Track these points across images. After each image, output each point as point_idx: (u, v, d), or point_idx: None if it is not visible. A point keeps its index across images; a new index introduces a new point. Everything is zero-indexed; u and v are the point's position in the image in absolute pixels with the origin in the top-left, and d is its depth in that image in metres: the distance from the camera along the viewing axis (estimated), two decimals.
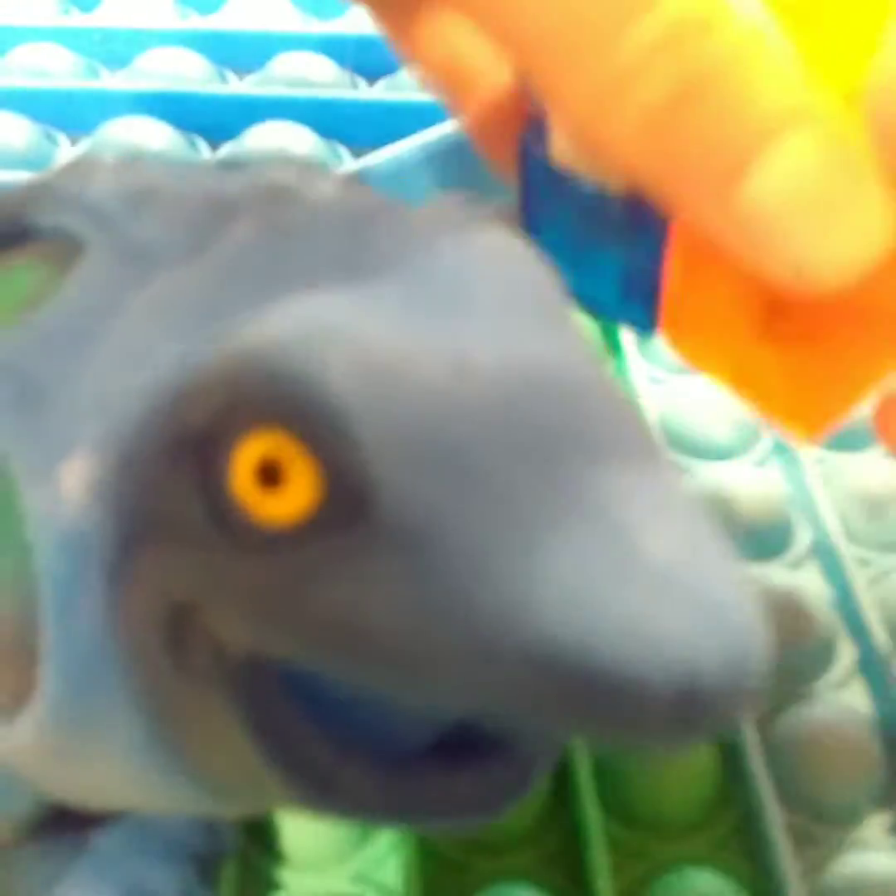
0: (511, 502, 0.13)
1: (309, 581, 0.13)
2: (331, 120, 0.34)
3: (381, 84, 0.38)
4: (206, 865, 0.21)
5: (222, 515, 0.14)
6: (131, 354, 0.15)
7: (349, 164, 0.31)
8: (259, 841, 0.23)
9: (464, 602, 0.13)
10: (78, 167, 0.19)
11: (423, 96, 0.35)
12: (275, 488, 0.13)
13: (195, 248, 0.16)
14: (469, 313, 0.15)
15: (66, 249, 0.17)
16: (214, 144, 0.35)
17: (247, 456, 0.14)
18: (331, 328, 0.14)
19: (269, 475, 0.13)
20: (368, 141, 0.33)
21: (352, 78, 0.38)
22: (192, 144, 0.35)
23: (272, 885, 0.22)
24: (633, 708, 0.12)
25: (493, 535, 0.13)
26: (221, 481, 0.14)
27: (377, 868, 0.23)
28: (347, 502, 0.13)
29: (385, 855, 0.23)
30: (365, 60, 0.38)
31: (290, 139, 0.33)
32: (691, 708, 0.12)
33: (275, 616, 0.14)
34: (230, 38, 0.38)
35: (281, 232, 0.16)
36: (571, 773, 0.24)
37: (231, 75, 0.38)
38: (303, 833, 0.23)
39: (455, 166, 0.31)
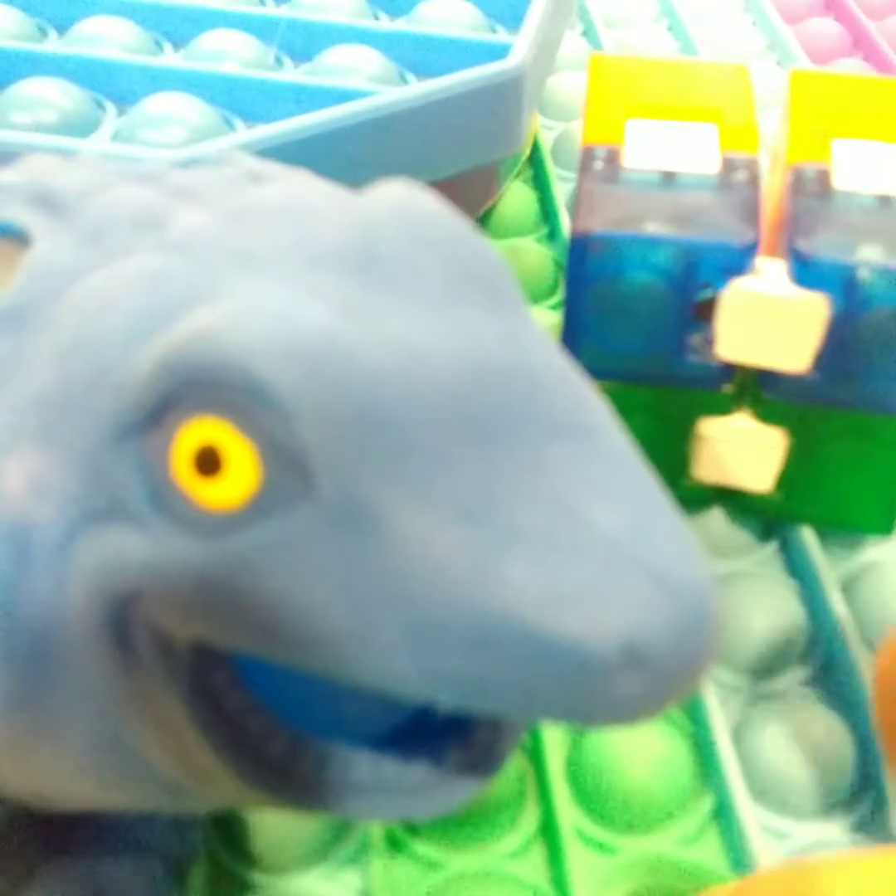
0: (457, 482, 0.13)
1: (251, 567, 0.13)
2: (241, 98, 0.34)
3: (305, 68, 0.38)
4: (175, 866, 0.21)
5: (164, 503, 0.14)
6: (74, 346, 0.15)
7: (242, 133, 0.30)
8: (229, 841, 0.22)
9: (409, 583, 0.13)
10: (23, 164, 0.19)
11: (341, 81, 0.35)
12: (215, 474, 0.13)
13: (147, 233, 0.16)
14: (417, 297, 0.15)
15: (11, 244, 0.17)
16: (121, 109, 0.35)
17: (186, 443, 0.14)
18: (266, 315, 0.14)
19: (210, 461, 0.13)
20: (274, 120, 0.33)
21: (279, 57, 0.38)
22: (100, 106, 0.35)
23: (243, 885, 0.22)
24: (578, 679, 0.12)
25: (438, 515, 0.13)
26: (163, 469, 0.14)
27: (348, 868, 0.22)
28: (287, 487, 0.13)
29: (356, 854, 0.22)
30: (295, 42, 0.38)
31: (183, 109, 0.33)
32: (638, 676, 0.12)
33: (218, 603, 0.13)
34: (164, 11, 0.39)
35: (231, 218, 0.16)
36: (542, 769, 0.24)
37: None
38: (274, 833, 0.22)
39: (362, 144, 0.31)
